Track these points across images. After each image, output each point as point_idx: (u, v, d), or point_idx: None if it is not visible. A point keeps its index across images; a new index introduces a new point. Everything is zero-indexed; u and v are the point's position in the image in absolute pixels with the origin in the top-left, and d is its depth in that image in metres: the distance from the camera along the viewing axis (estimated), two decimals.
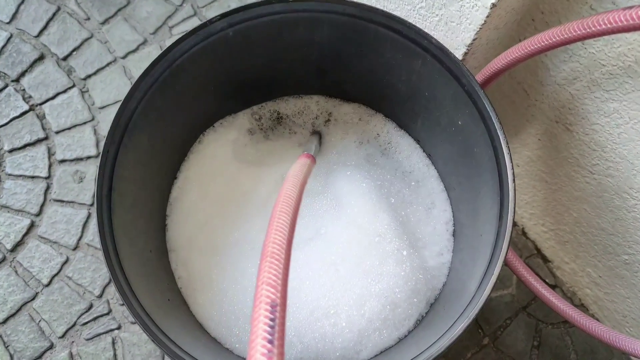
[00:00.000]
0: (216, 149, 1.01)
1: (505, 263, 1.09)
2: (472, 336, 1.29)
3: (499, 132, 0.74)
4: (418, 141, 1.04)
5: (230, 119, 1.04)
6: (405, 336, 0.85)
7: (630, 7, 0.59)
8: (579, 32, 0.65)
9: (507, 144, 0.73)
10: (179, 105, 0.90)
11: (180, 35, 1.49)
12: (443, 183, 1.01)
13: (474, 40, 0.84)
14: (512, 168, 0.72)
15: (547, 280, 1.33)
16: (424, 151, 1.03)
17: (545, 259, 1.33)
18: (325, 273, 0.83)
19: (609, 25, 0.62)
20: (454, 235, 0.95)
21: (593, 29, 0.63)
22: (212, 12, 1.53)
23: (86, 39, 1.49)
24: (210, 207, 0.96)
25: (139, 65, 1.46)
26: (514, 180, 0.72)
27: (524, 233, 1.35)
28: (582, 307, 1.30)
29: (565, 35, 0.67)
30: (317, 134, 1.05)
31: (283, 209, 0.55)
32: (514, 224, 1.35)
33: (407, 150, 1.03)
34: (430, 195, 1.00)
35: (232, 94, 1.00)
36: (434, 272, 0.90)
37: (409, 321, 0.85)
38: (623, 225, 0.99)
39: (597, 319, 1.28)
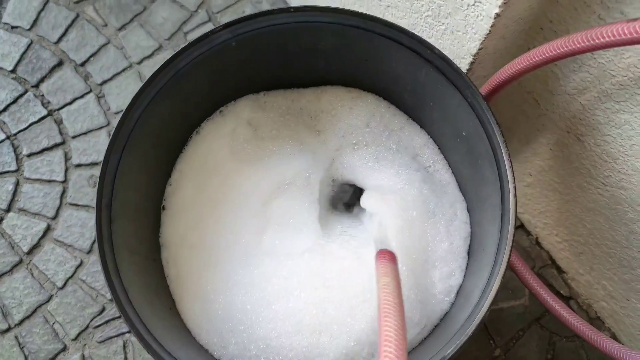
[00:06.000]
0: (213, 142, 0.97)
1: (517, 275, 1.06)
2: (483, 347, 1.27)
3: (502, 146, 0.72)
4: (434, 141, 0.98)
5: (231, 106, 1.01)
6: None
7: (635, 20, 0.57)
8: (583, 44, 0.63)
9: (509, 157, 0.72)
10: (182, 110, 0.90)
11: None
12: (461, 191, 0.95)
13: (479, 49, 0.83)
14: (514, 182, 0.71)
15: (561, 292, 1.30)
16: (441, 152, 0.98)
17: (559, 270, 1.30)
18: (315, 288, 0.81)
19: (612, 38, 0.60)
20: (469, 253, 0.90)
21: (597, 41, 0.61)
22: (226, 18, 1.54)
23: (103, 45, 1.52)
24: (206, 204, 0.92)
25: (153, 70, 1.48)
26: (515, 194, 0.70)
27: (537, 243, 1.32)
28: (598, 320, 1.27)
29: (570, 47, 0.65)
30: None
31: None
32: (528, 234, 1.33)
33: (421, 144, 0.98)
34: (452, 205, 0.93)
35: (235, 94, 1.00)
36: (440, 296, 0.85)
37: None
38: (637, 239, 0.96)
39: (614, 333, 1.25)
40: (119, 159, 0.77)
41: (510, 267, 1.06)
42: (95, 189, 1.39)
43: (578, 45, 0.64)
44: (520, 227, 1.34)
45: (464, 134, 0.82)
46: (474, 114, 0.77)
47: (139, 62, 1.50)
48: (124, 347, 1.29)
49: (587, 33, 0.62)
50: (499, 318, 1.30)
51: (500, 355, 1.26)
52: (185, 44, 0.79)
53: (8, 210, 1.39)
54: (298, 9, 0.79)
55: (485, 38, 0.80)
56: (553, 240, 1.26)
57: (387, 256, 0.68)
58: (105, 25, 1.54)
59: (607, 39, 0.60)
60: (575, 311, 1.29)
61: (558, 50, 0.67)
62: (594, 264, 1.15)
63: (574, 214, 1.10)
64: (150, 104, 0.80)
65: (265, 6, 1.55)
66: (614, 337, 1.25)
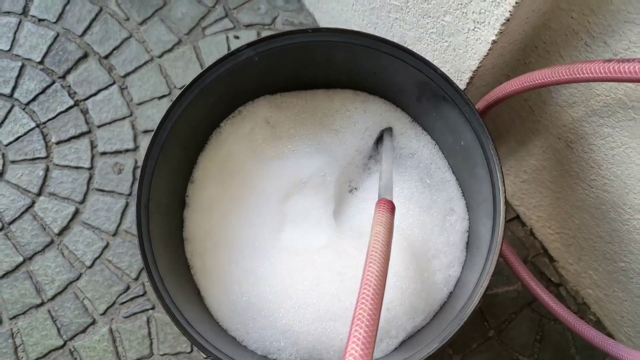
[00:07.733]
0: (233, 142, 1.04)
1: (510, 267, 1.16)
2: (478, 328, 1.38)
3: (495, 159, 0.81)
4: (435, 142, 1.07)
5: (249, 106, 1.08)
6: (401, 344, 0.93)
7: (610, 60, 0.66)
8: (565, 76, 0.72)
9: (501, 169, 0.81)
10: (206, 117, 1.00)
11: (211, 36, 1.60)
12: (461, 189, 1.02)
13: (478, 67, 0.91)
14: (504, 191, 0.80)
15: (552, 279, 1.41)
16: (443, 154, 1.05)
17: (551, 259, 1.41)
18: (330, 281, 0.92)
19: (590, 75, 0.68)
20: (467, 248, 0.99)
21: (578, 75, 0.70)
22: (242, 14, 1.61)
23: (126, 39, 1.60)
24: (228, 202, 1.00)
25: (173, 64, 1.57)
26: (505, 202, 0.80)
27: (532, 233, 1.42)
28: (584, 305, 1.38)
29: (554, 78, 0.74)
30: (389, 131, 1.04)
31: (365, 297, 0.57)
32: (523, 225, 1.42)
33: (421, 145, 1.06)
34: (451, 200, 1.01)
35: (253, 95, 1.08)
36: (439, 285, 0.94)
37: (404, 332, 0.92)
38: (618, 236, 1.06)
39: (598, 317, 1.36)
40: (154, 165, 0.86)
41: (503, 258, 1.16)
42: (120, 175, 1.50)
43: (562, 77, 0.73)
44: (516, 218, 1.44)
45: (462, 143, 0.92)
46: (470, 128, 0.85)
47: (160, 56, 1.58)
48: (148, 322, 1.41)
49: (570, 67, 0.71)
50: (493, 302, 1.41)
51: (493, 336, 1.37)
52: (212, 62, 0.87)
53: (39, 194, 1.50)
54: (315, 30, 0.88)
55: (484, 58, 0.88)
56: (546, 232, 1.35)
57: (386, 206, 0.72)
58: (128, 19, 1.62)
59: (586, 75, 0.69)
60: (564, 297, 1.40)
61: (545, 79, 0.75)
62: (582, 255, 1.25)
63: (564, 210, 1.19)
64: (180, 116, 0.89)
65: (280, 3, 1.62)
66: (599, 321, 1.36)
